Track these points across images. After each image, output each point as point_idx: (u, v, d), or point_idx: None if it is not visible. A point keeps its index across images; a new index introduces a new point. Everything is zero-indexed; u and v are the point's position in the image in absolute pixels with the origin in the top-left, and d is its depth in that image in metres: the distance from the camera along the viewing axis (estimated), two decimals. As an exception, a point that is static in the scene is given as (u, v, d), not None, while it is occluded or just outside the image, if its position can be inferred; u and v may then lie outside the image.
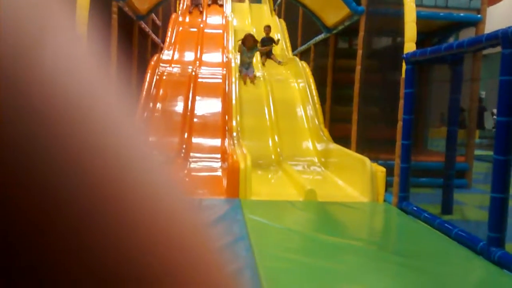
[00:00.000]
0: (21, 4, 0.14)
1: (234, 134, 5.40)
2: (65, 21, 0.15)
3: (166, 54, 7.39)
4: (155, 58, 6.86)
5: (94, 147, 0.14)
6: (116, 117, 0.15)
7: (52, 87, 0.13)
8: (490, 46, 2.80)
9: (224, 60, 7.39)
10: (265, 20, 9.85)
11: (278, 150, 5.52)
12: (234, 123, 5.58)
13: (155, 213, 0.15)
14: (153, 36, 7.88)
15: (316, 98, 6.32)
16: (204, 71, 6.98)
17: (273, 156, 5.42)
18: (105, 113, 0.15)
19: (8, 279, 0.13)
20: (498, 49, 2.61)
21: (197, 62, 7.27)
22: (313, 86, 6.50)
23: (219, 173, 4.85)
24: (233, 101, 5.93)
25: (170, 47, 7.73)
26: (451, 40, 5.90)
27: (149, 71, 6.45)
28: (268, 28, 7.90)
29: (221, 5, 9.31)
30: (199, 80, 6.66)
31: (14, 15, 0.13)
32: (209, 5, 9.32)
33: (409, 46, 3.73)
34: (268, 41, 7.70)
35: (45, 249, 0.13)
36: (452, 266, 2.48)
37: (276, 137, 5.67)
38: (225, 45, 7.95)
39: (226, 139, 5.40)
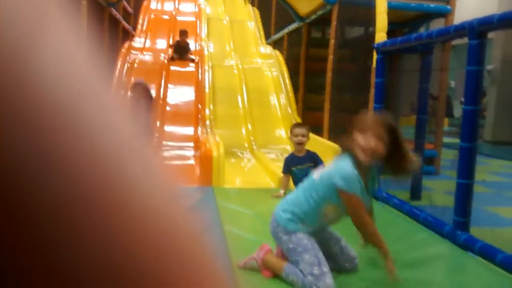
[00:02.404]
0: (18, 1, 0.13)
1: (207, 122, 5.39)
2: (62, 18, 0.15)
3: (138, 42, 7.27)
4: (126, 45, 6.75)
5: (83, 139, 0.14)
6: (108, 113, 0.15)
7: (47, 85, 0.13)
8: (458, 37, 2.87)
9: (197, 47, 7.33)
10: (239, 7, 9.78)
11: (252, 138, 5.53)
12: (207, 111, 5.56)
13: (143, 203, 0.15)
14: (124, 23, 7.74)
15: (289, 86, 6.35)
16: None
17: (246, 144, 5.44)
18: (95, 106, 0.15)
19: (6, 280, 0.13)
20: (466, 40, 2.68)
21: (169, 49, 7.19)
22: (286, 75, 6.53)
23: (192, 161, 4.84)
24: (206, 90, 5.91)
25: (142, 34, 7.61)
26: (422, 30, 6.00)
27: (120, 58, 6.35)
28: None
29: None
30: (172, 68, 6.59)
31: (11, 11, 0.13)
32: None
33: (380, 36, 3.79)
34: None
35: (33, 244, 0.13)
36: (419, 250, 2.56)
37: (249, 126, 5.68)
38: (198, 32, 7.88)
39: (199, 127, 5.39)
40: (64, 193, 0.13)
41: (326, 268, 1.97)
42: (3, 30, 0.13)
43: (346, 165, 1.93)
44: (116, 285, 0.14)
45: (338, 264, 2.16)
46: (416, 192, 3.99)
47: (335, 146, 4.30)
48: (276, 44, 7.96)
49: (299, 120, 5.82)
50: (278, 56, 6.94)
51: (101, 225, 0.14)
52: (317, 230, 2.10)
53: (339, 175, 1.93)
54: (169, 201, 0.16)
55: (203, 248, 0.17)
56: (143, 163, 0.16)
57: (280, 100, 6.19)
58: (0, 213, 0.12)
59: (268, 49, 7.33)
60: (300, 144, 3.49)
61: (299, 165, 3.47)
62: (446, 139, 5.76)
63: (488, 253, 2.38)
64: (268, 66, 6.81)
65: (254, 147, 5.36)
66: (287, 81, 6.44)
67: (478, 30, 2.52)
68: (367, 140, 1.91)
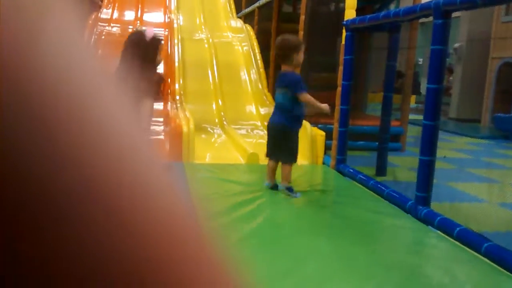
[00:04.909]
0: None
1: (177, 97, 5.34)
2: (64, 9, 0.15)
3: (105, 13, 7.06)
4: (93, 17, 6.55)
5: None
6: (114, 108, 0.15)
7: (51, 79, 0.13)
8: (424, 16, 2.92)
9: (166, 20, 7.18)
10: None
11: (222, 114, 5.52)
12: (177, 86, 5.50)
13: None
14: (91, -7, 7.49)
15: (260, 62, 6.32)
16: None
17: (216, 120, 5.43)
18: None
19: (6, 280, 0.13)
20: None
21: (138, 21, 7.02)
22: (257, 50, 6.49)
23: (161, 136, 4.81)
24: (176, 64, 5.82)
25: (109, 6, 7.39)
26: (392, 7, 6.05)
27: (87, 30, 6.17)
28: None
29: None
30: (141, 41, 6.44)
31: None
32: None
33: (349, 13, 3.80)
34: None
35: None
36: (383, 224, 2.66)
37: (219, 101, 5.66)
38: (167, 4, 7.70)
39: (169, 102, 5.33)
40: (69, 189, 0.13)
41: None
42: (4, 26, 0.13)
43: None
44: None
45: None
46: (381, 168, 4.10)
47: (304, 122, 4.35)
48: (247, 18, 7.87)
49: (269, 96, 5.83)
50: (249, 31, 6.87)
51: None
52: None
53: None
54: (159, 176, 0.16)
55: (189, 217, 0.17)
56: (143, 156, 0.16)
57: (251, 75, 6.17)
58: (3, 210, 0.12)
59: (239, 23, 7.24)
60: None
61: None
62: (412, 116, 5.90)
63: (446, 226, 2.49)
64: (239, 40, 6.74)
65: (225, 122, 5.35)
66: (258, 56, 6.40)
67: (443, 9, 2.57)
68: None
